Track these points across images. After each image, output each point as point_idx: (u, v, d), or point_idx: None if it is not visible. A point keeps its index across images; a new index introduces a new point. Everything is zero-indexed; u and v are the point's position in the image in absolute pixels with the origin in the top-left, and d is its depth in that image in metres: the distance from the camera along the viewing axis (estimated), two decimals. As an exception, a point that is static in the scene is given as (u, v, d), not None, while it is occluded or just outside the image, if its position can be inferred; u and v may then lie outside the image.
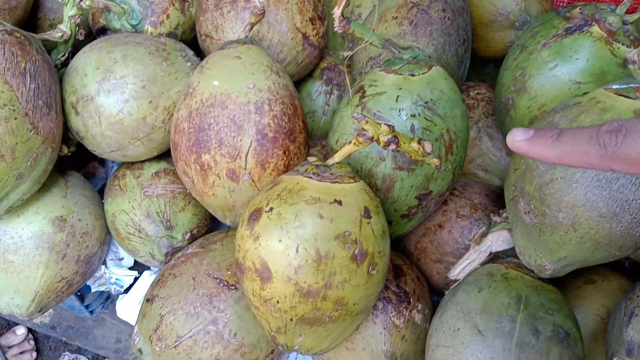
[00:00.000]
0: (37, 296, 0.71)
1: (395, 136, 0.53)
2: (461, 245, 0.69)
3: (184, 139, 0.63)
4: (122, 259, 0.82)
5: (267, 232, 0.52)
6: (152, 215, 0.72)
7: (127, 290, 0.80)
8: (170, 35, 0.79)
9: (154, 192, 0.73)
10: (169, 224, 0.72)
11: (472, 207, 0.70)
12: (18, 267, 0.68)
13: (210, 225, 0.78)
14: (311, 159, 0.58)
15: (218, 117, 0.61)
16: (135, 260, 0.83)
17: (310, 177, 0.54)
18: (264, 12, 0.65)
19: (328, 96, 0.85)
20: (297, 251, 0.51)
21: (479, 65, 0.97)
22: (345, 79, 0.63)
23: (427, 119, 0.60)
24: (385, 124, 0.53)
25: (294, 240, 0.51)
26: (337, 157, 0.56)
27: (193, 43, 0.83)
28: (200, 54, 0.79)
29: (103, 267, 0.80)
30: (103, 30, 0.80)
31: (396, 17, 0.76)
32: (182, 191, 0.74)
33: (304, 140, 0.65)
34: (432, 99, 0.61)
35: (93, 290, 0.82)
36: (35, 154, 0.64)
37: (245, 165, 0.61)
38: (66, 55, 0.75)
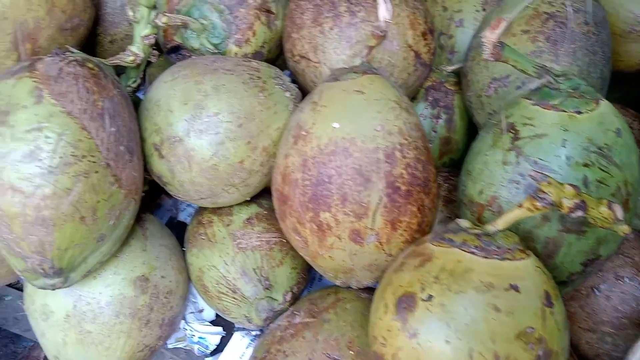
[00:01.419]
0: (117, 366, 0.61)
1: (584, 201, 0.42)
2: (623, 313, 0.57)
3: (297, 192, 0.52)
4: (202, 310, 0.72)
5: (429, 329, 0.41)
6: (248, 273, 0.61)
7: (213, 353, 0.70)
8: (256, 55, 0.68)
9: (248, 245, 0.62)
10: (267, 282, 0.61)
11: (634, 265, 0.58)
12: (97, 337, 0.58)
13: (307, 278, 0.67)
14: (463, 222, 0.47)
15: (340, 168, 0.50)
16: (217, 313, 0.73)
17: (473, 252, 0.43)
18: (386, 34, 0.53)
19: (435, 121, 0.73)
20: (470, 356, 0.39)
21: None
22: (503, 120, 0.50)
23: (602, 169, 0.48)
24: (569, 184, 0.42)
25: (466, 342, 0.40)
26: (501, 224, 0.45)
27: (276, 62, 0.72)
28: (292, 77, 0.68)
29: (182, 321, 0.70)
30: (176, 49, 0.69)
31: (528, 31, 0.63)
32: (278, 241, 0.63)
33: (436, 190, 0.54)
34: (606, 144, 0.49)
35: (170, 346, 0.72)
36: (118, 210, 0.54)
37: (373, 225, 0.50)
38: (137, 81, 0.64)
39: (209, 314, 0.72)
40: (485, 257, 0.43)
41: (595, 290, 0.58)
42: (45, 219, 0.48)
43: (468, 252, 0.43)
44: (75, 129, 0.49)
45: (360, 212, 0.50)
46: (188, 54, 0.68)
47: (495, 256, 0.43)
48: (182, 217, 0.82)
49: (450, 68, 0.75)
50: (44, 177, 0.47)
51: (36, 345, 1.28)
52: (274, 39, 0.69)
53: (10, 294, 1.13)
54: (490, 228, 0.45)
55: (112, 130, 0.52)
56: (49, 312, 0.59)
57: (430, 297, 0.41)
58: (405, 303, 0.42)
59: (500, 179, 0.51)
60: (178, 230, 0.72)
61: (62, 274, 0.52)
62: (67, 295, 0.58)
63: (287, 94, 0.60)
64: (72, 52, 0.54)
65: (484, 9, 0.78)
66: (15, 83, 0.49)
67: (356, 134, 0.50)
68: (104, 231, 0.53)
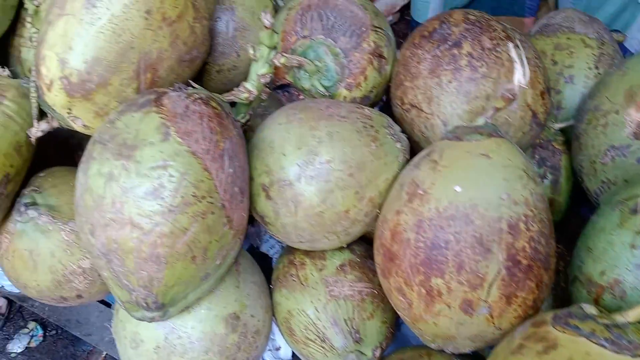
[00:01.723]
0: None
1: None
2: None
3: (409, 253, 0.50)
4: (279, 348, 0.71)
5: None
6: (339, 323, 0.60)
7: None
8: (363, 99, 0.67)
9: (341, 293, 0.61)
10: (358, 335, 0.60)
11: None
12: (184, 372, 0.58)
13: (395, 333, 0.65)
14: (589, 308, 0.44)
15: (459, 234, 0.48)
16: (293, 352, 0.71)
17: (603, 345, 0.40)
18: (516, 97, 0.51)
19: (540, 181, 0.70)
20: None
21: None
22: (639, 202, 0.48)
23: None
24: None
25: None
26: (633, 316, 0.42)
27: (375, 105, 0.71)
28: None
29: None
30: (285, 87, 0.69)
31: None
32: (370, 292, 0.62)
33: (555, 266, 0.51)
34: None
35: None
36: (225, 250, 0.53)
37: (487, 297, 0.48)
38: (247, 117, 0.64)
39: (286, 352, 0.71)
40: (617, 352, 0.40)
41: None
42: (159, 257, 0.48)
43: (597, 344, 0.40)
44: (197, 169, 0.49)
45: (475, 282, 0.48)
46: (296, 93, 0.68)
47: (627, 352, 0.40)
48: (265, 248, 0.82)
49: (559, 125, 0.72)
50: (164, 216, 0.47)
51: (95, 350, 1.31)
52: (382, 84, 0.68)
53: (76, 296, 1.16)
54: (619, 319, 0.42)
55: (230, 172, 0.52)
56: (139, 340, 0.59)
57: (559, 393, 0.39)
58: (530, 393, 0.40)
59: (626, 262, 0.48)
60: (259, 261, 0.72)
61: (163, 308, 0.52)
62: (159, 327, 0.58)
63: (398, 145, 0.59)
64: (194, 88, 0.55)
65: (596, 67, 0.75)
66: (142, 117, 0.50)
67: (479, 200, 0.48)
68: (210, 270, 0.53)
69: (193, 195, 0.49)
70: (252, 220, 0.78)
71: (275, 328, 0.69)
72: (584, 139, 0.66)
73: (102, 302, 1.00)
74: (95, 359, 1.31)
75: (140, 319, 0.54)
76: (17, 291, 0.80)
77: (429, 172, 0.51)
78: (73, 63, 0.54)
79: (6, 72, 0.66)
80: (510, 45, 0.54)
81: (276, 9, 0.76)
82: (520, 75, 0.49)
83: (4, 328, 1.37)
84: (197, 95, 0.53)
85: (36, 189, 0.63)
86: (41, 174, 0.66)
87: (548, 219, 0.50)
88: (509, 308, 0.49)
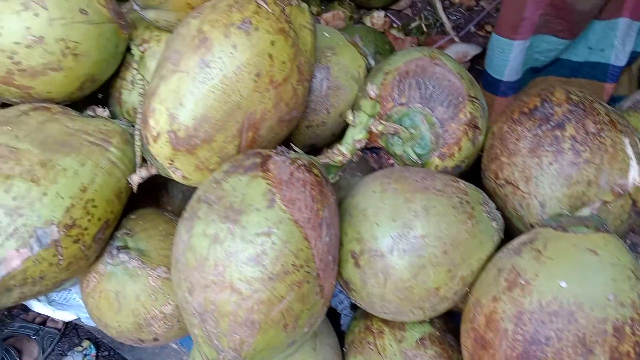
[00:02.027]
0: None
1: None
2: None
3: (505, 344, 0.49)
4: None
5: None
6: (418, 401, 0.58)
7: None
8: (455, 168, 0.66)
9: (420, 368, 0.59)
10: (436, 415, 0.58)
11: None
12: None
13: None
14: None
15: (562, 332, 0.46)
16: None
17: None
18: (627, 192, 0.50)
19: (629, 266, 0.68)
20: None
21: None
22: None
23: None
24: None
25: None
26: None
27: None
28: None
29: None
30: (374, 150, 0.69)
31: None
32: (450, 370, 0.60)
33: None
34: None
35: None
36: (314, 319, 0.53)
37: (587, 401, 0.46)
38: (336, 177, 0.65)
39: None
40: None
41: None
42: (254, 322, 0.49)
43: None
44: (299, 238, 0.49)
45: (576, 384, 0.46)
46: (386, 157, 0.68)
47: None
48: (333, 302, 0.81)
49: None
50: (264, 283, 0.48)
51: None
52: (474, 154, 0.68)
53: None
54: None
55: (327, 240, 0.52)
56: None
57: None
58: None
59: None
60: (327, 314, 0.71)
61: (247, 369, 0.52)
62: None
63: (494, 224, 0.58)
64: (298, 154, 0.55)
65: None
66: (249, 181, 0.51)
67: (585, 298, 0.46)
68: (298, 338, 0.53)
69: (292, 264, 0.49)
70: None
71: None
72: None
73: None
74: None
75: (222, 378, 0.54)
76: (73, 317, 0.82)
77: (532, 261, 0.50)
78: (182, 119, 0.56)
79: (106, 112, 0.69)
80: (627, 141, 0.53)
81: (368, 69, 0.76)
82: (635, 173, 0.48)
83: (59, 344, 1.40)
84: (300, 162, 0.54)
85: (128, 232, 0.65)
86: (132, 216, 0.68)
87: (657, 324, 0.48)
88: (610, 415, 0.46)
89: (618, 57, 1.16)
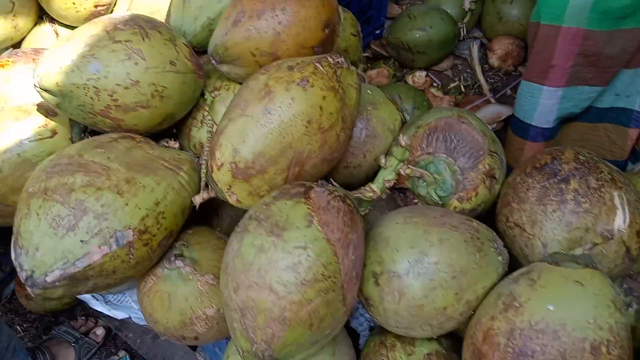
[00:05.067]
0: None
1: None
2: None
3: (497, 355, 0.57)
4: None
5: None
6: (422, 409, 0.66)
7: None
8: (472, 211, 0.76)
9: (427, 381, 0.67)
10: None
11: None
12: None
13: None
14: None
15: (546, 347, 0.54)
16: None
17: None
18: (614, 237, 0.58)
19: (627, 311, 0.74)
20: None
21: None
22: None
23: None
24: None
25: None
26: None
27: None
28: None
29: None
30: (402, 190, 0.79)
31: None
32: (455, 386, 0.68)
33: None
34: None
35: None
36: (336, 324, 0.63)
37: (567, 412, 0.53)
38: (366, 211, 0.75)
39: None
40: None
41: None
42: (285, 319, 0.59)
43: None
44: (329, 253, 0.60)
45: (556, 395, 0.53)
46: (412, 196, 0.78)
47: None
48: (354, 324, 0.90)
49: (654, 263, 0.76)
50: (297, 287, 0.58)
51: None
52: (491, 201, 0.77)
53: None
54: None
55: (352, 259, 0.62)
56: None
57: None
58: None
59: None
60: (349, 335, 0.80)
61: (275, 362, 0.62)
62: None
63: (500, 258, 0.67)
64: (335, 187, 0.67)
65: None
66: (293, 205, 0.62)
67: (568, 320, 0.54)
68: (320, 338, 0.62)
69: (322, 274, 0.59)
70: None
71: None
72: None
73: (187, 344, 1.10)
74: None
75: (252, 368, 0.63)
76: (143, 323, 0.93)
77: (527, 288, 0.59)
78: (243, 153, 0.68)
79: (177, 144, 0.83)
80: (616, 193, 0.61)
81: (403, 122, 0.88)
82: (620, 222, 0.56)
83: (97, 353, 1.52)
84: (336, 193, 0.65)
85: (185, 243, 0.77)
86: (189, 231, 0.80)
87: (629, 347, 0.55)
88: None
89: (642, 103, 1.20)
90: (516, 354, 0.56)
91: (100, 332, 1.55)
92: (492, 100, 1.80)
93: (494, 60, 1.89)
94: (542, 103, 1.20)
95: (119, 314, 1.00)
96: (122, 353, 1.51)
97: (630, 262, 0.71)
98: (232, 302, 0.62)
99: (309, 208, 0.62)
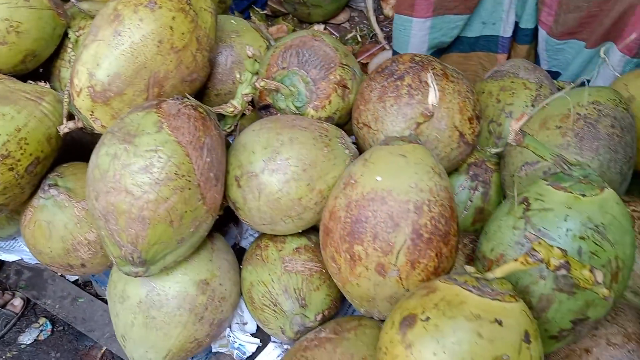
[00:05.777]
0: (170, 354, 0.74)
1: (568, 262, 0.51)
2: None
3: (339, 227, 0.64)
4: (246, 323, 0.84)
5: (422, 343, 0.50)
6: (289, 291, 0.73)
7: (249, 358, 0.81)
8: (328, 119, 0.82)
9: (294, 268, 0.74)
10: (304, 302, 0.73)
11: (626, 335, 0.64)
12: (158, 323, 0.71)
13: (339, 307, 0.78)
14: (469, 268, 0.57)
15: (376, 212, 0.62)
16: (257, 326, 0.84)
17: (470, 290, 0.53)
18: (433, 114, 0.66)
19: (472, 192, 0.84)
20: (452, 371, 0.49)
21: (634, 179, 0.91)
22: (514, 191, 0.61)
23: (596, 243, 0.57)
24: (558, 247, 0.51)
25: (450, 356, 0.49)
26: (499, 273, 0.54)
27: (344, 126, 0.86)
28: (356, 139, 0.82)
29: (227, 329, 0.82)
30: (266, 107, 0.85)
31: (560, 127, 0.74)
32: (318, 270, 0.75)
33: (455, 243, 0.64)
34: (603, 223, 0.58)
35: (214, 350, 0.84)
36: (198, 222, 0.68)
37: (396, 262, 0.61)
38: (232, 127, 0.81)
39: (251, 327, 0.84)
40: (479, 295, 0.52)
41: (587, 352, 0.65)
42: (144, 218, 0.63)
43: (466, 289, 0.53)
44: (181, 154, 0.65)
45: (386, 249, 0.61)
46: (275, 112, 0.84)
47: (488, 296, 0.52)
48: (244, 244, 0.96)
49: (494, 150, 0.86)
50: (151, 186, 0.63)
51: (96, 345, 1.45)
52: (345, 109, 0.84)
53: (84, 296, 1.31)
54: (489, 275, 0.55)
55: (207, 160, 0.67)
56: (126, 296, 0.73)
57: (427, 318, 0.51)
58: (408, 321, 0.53)
59: (508, 240, 0.61)
60: (239, 254, 0.86)
61: (145, 264, 0.67)
62: (143, 285, 0.72)
63: (347, 151, 0.74)
64: (188, 99, 0.71)
65: (532, 105, 0.89)
66: (144, 115, 0.66)
67: (393, 187, 0.62)
68: (185, 235, 0.67)
69: (175, 174, 0.64)
70: (237, 220, 0.93)
71: (244, 307, 0.82)
72: (507, 158, 0.79)
73: (106, 302, 1.13)
74: (95, 353, 1.45)
75: (127, 274, 0.68)
76: (34, 262, 0.95)
77: (360, 166, 0.66)
78: (99, 76, 0.72)
79: (47, 85, 0.85)
80: (429, 75, 0.69)
81: (268, 48, 0.93)
82: (432, 97, 0.64)
83: (17, 324, 1.52)
84: (188, 102, 0.69)
85: (59, 174, 0.80)
86: (64, 165, 0.83)
87: (450, 206, 0.64)
88: (413, 272, 0.62)
89: (505, 29, 1.32)
90: (353, 222, 0.63)
91: (17, 302, 1.54)
92: (387, 47, 1.88)
93: (387, 11, 1.98)
94: (413, 34, 1.28)
95: (10, 257, 1.02)
96: (42, 320, 1.51)
97: (467, 147, 0.80)
98: (96, 211, 0.66)
99: (159, 116, 0.66)
